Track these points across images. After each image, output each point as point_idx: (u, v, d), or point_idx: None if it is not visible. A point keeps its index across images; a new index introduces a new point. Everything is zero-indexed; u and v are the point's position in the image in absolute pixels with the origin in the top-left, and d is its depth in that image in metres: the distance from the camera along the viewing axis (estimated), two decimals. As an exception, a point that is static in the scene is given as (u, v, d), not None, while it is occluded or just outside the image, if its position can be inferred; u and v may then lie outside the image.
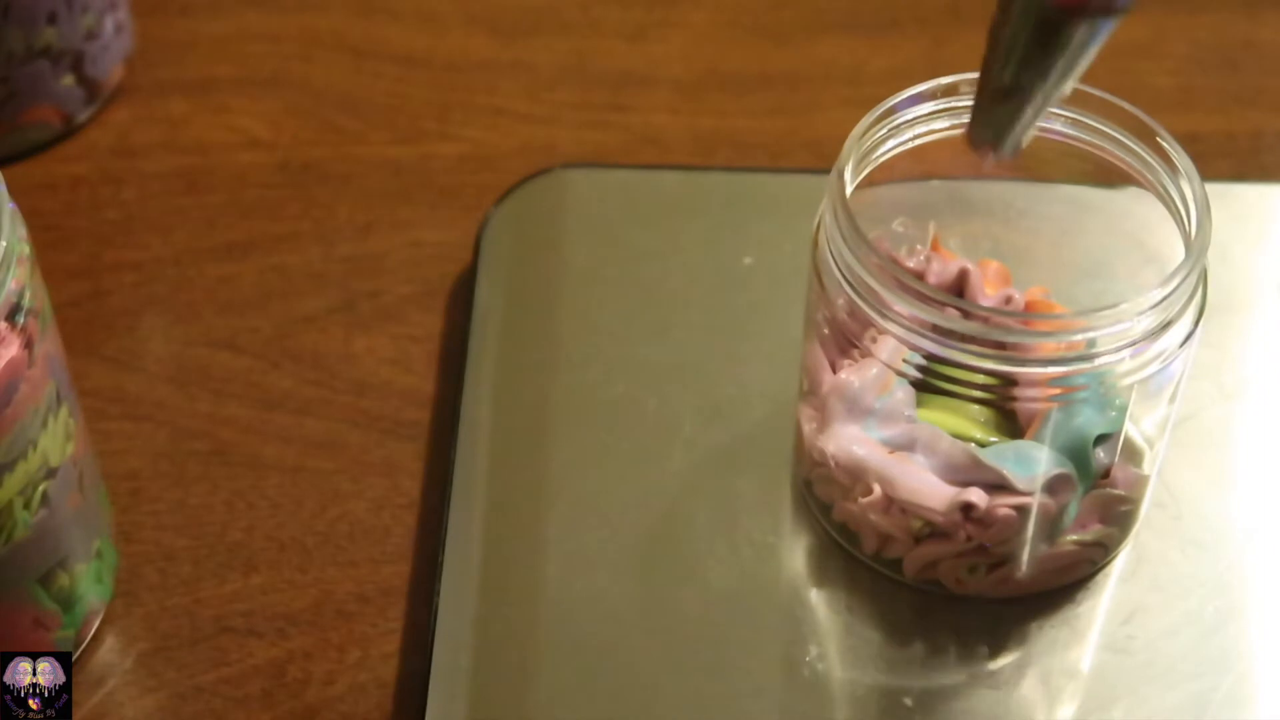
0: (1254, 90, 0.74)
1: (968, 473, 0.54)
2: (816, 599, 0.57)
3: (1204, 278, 0.53)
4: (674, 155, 0.72)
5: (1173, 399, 0.55)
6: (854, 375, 0.55)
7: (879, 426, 0.55)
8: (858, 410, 0.55)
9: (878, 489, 0.55)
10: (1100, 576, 0.57)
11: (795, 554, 0.58)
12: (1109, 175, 0.56)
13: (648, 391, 0.62)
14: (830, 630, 0.56)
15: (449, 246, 0.69)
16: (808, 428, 0.57)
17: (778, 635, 0.56)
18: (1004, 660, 0.55)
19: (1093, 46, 0.47)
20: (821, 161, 0.72)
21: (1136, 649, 0.56)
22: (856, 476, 0.55)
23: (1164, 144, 0.53)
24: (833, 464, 0.56)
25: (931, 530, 0.55)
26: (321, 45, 0.77)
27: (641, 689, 0.55)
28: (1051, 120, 0.55)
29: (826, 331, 0.55)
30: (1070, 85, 0.47)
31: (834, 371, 0.56)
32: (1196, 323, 0.53)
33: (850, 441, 0.55)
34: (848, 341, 0.54)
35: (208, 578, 0.59)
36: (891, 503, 0.55)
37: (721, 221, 0.67)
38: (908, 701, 0.55)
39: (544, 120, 0.74)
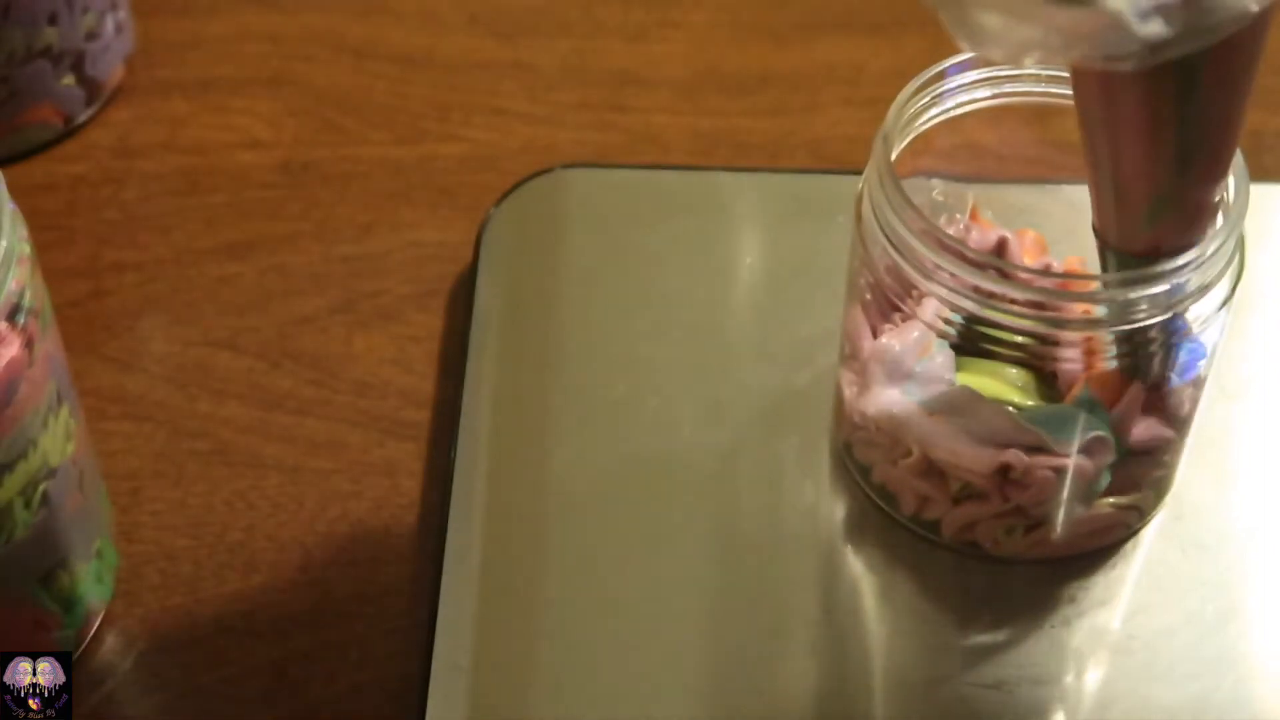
0: (1254, 90, 0.74)
1: (1006, 435, 0.54)
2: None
3: (1241, 244, 0.53)
4: (674, 155, 0.72)
5: (1209, 364, 0.55)
6: (895, 339, 0.56)
7: (919, 390, 0.55)
8: (898, 374, 0.56)
9: (917, 451, 0.55)
10: (1109, 575, 0.57)
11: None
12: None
13: (648, 391, 0.62)
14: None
15: (449, 246, 0.69)
16: (848, 391, 0.58)
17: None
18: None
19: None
20: (821, 161, 0.72)
21: (1136, 649, 0.56)
22: (896, 439, 0.56)
23: None
24: (873, 427, 0.56)
25: (970, 492, 0.55)
26: (321, 45, 0.77)
27: (641, 689, 0.55)
28: None
29: (869, 296, 0.56)
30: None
31: (874, 336, 0.56)
32: (1234, 288, 0.53)
33: (890, 404, 0.56)
34: (890, 305, 0.55)
35: (208, 578, 0.59)
36: (930, 464, 0.56)
37: (721, 221, 0.67)
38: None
39: (544, 120, 0.74)
